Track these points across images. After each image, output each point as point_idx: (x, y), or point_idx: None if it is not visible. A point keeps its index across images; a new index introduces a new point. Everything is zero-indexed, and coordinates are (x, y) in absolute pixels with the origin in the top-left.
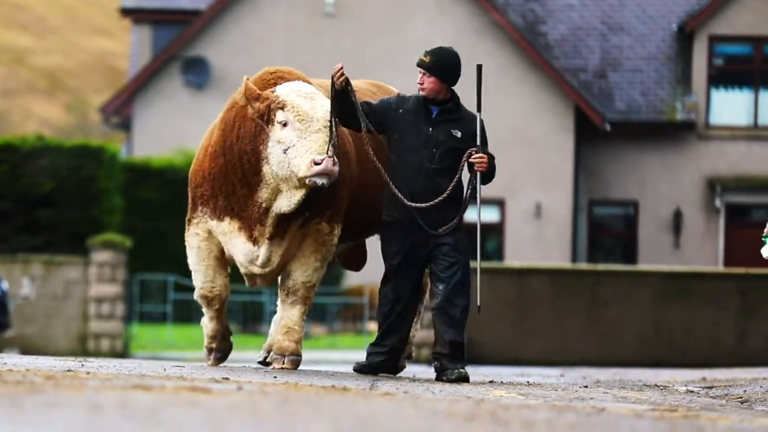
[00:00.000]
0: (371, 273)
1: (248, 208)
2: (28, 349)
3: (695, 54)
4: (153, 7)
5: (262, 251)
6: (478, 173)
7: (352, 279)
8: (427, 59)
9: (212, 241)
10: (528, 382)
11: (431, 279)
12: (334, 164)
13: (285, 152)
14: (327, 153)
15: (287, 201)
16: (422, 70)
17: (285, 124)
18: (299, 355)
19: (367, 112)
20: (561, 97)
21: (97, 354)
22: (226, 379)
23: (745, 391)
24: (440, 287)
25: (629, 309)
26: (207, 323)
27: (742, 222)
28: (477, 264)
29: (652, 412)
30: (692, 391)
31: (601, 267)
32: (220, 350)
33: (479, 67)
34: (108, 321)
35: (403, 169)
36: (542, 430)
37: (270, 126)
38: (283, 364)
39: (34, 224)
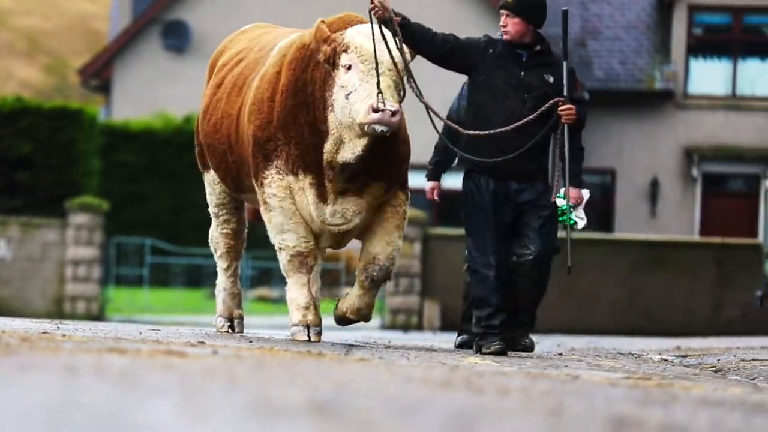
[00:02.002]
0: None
1: (318, 158)
2: (3, 310)
3: (675, 23)
4: None
5: (335, 208)
6: (566, 126)
7: None
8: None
9: (292, 198)
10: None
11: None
12: (393, 114)
13: (347, 97)
14: (389, 99)
15: (350, 151)
16: (505, 11)
17: (349, 68)
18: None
19: (451, 45)
20: None
21: (73, 317)
22: (202, 343)
23: (719, 360)
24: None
25: (605, 277)
26: (297, 292)
27: (718, 192)
28: (567, 223)
29: (625, 380)
30: (666, 360)
31: (577, 235)
32: (318, 324)
33: (565, 12)
34: (84, 284)
35: (490, 114)
36: (516, 396)
37: (335, 70)
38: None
39: (13, 186)
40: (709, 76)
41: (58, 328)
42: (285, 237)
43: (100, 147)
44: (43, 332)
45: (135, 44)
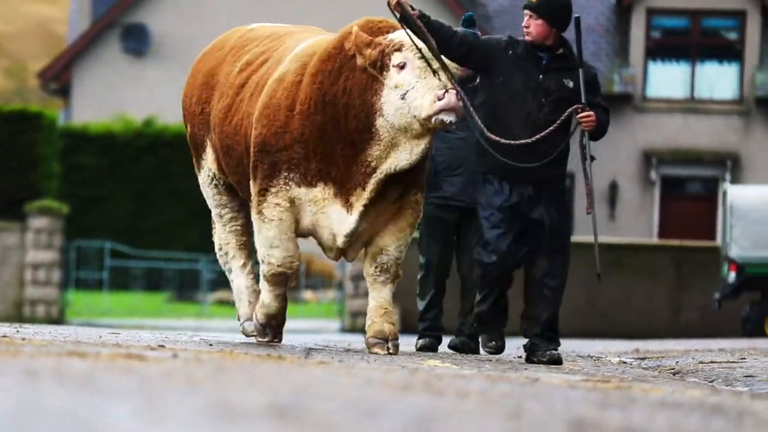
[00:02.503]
0: (305, 241)
1: (351, 169)
2: None
3: (633, 26)
4: None
5: (353, 219)
6: (586, 132)
7: None
8: (534, 0)
9: (293, 212)
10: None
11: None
12: (458, 99)
13: (403, 97)
14: (449, 88)
15: (407, 154)
16: (529, 12)
17: (403, 66)
18: (398, 339)
19: (471, 45)
20: None
21: (33, 320)
22: (162, 346)
23: (678, 362)
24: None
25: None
26: (271, 302)
27: (677, 194)
28: (594, 228)
29: (585, 382)
30: (625, 363)
31: None
32: (277, 332)
33: (577, 20)
34: (44, 287)
35: (507, 117)
36: (476, 399)
37: (384, 72)
38: (389, 350)
39: None
40: (667, 79)
41: (18, 331)
42: (273, 252)
43: (59, 150)
44: (3, 336)
45: (94, 47)
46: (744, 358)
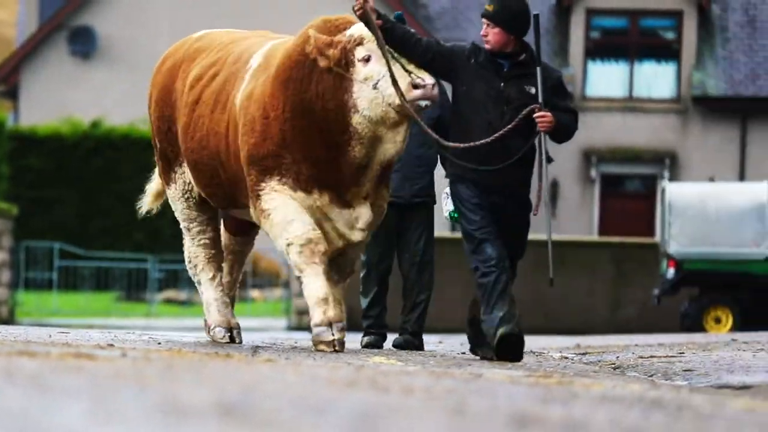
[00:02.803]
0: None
1: (342, 172)
2: None
3: (572, 27)
4: None
5: (363, 213)
6: (543, 133)
7: None
8: (490, 8)
9: (293, 197)
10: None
11: None
12: (433, 85)
13: (375, 87)
14: (423, 74)
15: (392, 143)
16: (486, 21)
17: (368, 59)
18: (344, 332)
19: (435, 51)
20: None
21: None
22: (111, 345)
23: (618, 357)
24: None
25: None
26: (314, 284)
27: (616, 192)
28: (549, 234)
29: (527, 378)
30: (567, 358)
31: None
32: (341, 319)
33: (536, 18)
34: None
35: (470, 126)
36: (420, 395)
37: (351, 69)
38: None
39: None
40: (606, 78)
41: None
42: (292, 228)
43: (7, 152)
44: None
45: (42, 50)
46: (683, 353)
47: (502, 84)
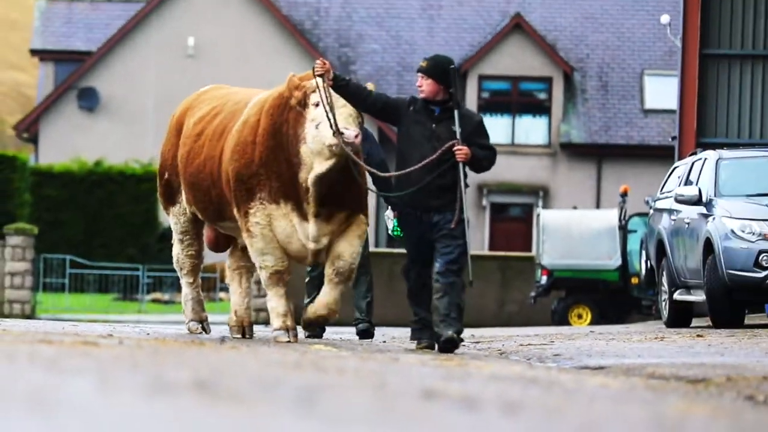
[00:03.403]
0: (221, 253)
1: (296, 187)
2: None
3: (468, 89)
4: (55, 49)
5: (311, 228)
6: (460, 163)
7: (206, 259)
8: (424, 64)
9: (270, 227)
10: (341, 338)
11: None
12: (356, 135)
13: (317, 127)
14: (350, 125)
15: (317, 172)
16: (421, 74)
17: (317, 105)
18: (325, 327)
19: (384, 102)
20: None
21: (11, 316)
22: (111, 335)
23: (503, 345)
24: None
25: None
26: (277, 302)
27: (502, 217)
28: (468, 247)
29: (433, 361)
30: (464, 345)
31: (397, 251)
32: (294, 327)
33: (454, 69)
34: (19, 290)
35: (409, 160)
36: (351, 375)
37: (306, 109)
38: (315, 332)
39: None
40: (494, 129)
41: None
42: (265, 258)
43: (30, 185)
44: None
45: (56, 106)
46: (553, 342)
47: (434, 125)
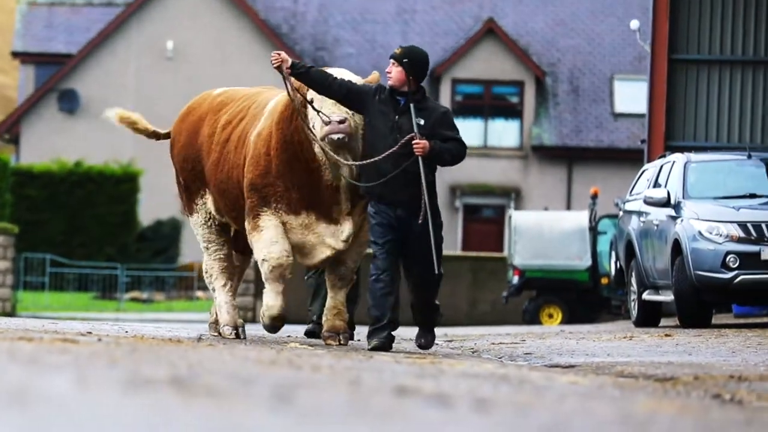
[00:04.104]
0: (198, 252)
1: (322, 193)
2: None
3: (441, 92)
4: (36, 51)
5: (346, 227)
6: (419, 157)
7: (185, 258)
8: (398, 51)
9: (282, 227)
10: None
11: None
12: (341, 120)
13: (313, 127)
14: (334, 112)
15: (345, 167)
16: (393, 60)
17: (312, 101)
18: (347, 332)
19: (348, 89)
20: None
21: None
22: (89, 333)
23: (475, 343)
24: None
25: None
26: (273, 300)
27: (475, 218)
28: (430, 236)
29: (407, 358)
30: (437, 344)
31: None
32: (276, 326)
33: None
34: (0, 288)
35: (372, 150)
36: (326, 372)
37: (306, 110)
38: (340, 341)
39: None
40: (467, 132)
41: None
42: (272, 249)
43: (11, 185)
44: None
45: (37, 107)
46: (524, 340)
47: (397, 117)
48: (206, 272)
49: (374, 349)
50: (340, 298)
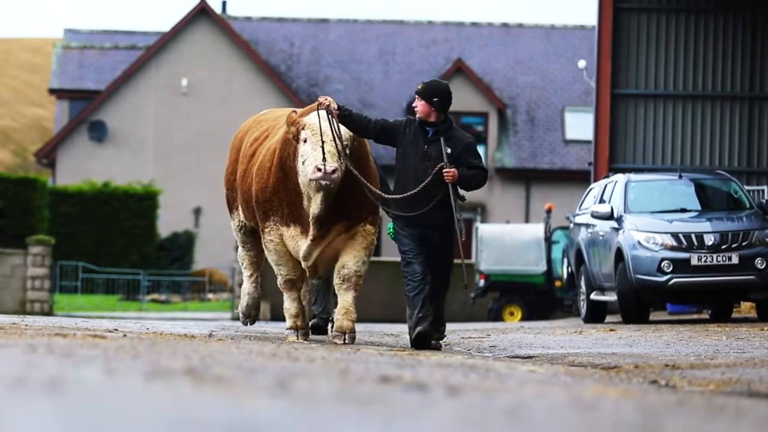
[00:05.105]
0: (209, 260)
1: (302, 213)
2: None
3: None
4: (69, 88)
5: (303, 248)
6: (449, 184)
7: (198, 265)
8: (420, 87)
9: (283, 243)
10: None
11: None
12: (333, 171)
13: (303, 163)
14: (327, 161)
15: (314, 206)
16: (418, 96)
17: (305, 141)
18: (355, 332)
19: (382, 126)
20: None
21: (32, 313)
22: (116, 330)
23: (448, 338)
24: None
25: (375, 284)
26: (290, 304)
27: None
28: (461, 252)
29: (389, 351)
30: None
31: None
32: (305, 327)
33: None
34: (39, 291)
35: (405, 179)
36: (320, 363)
37: (298, 144)
38: (345, 341)
39: None
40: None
41: (23, 321)
42: (280, 269)
43: (48, 203)
44: (12, 323)
45: (71, 136)
46: (489, 335)
47: (426, 146)
48: (241, 260)
49: (417, 336)
50: (348, 299)
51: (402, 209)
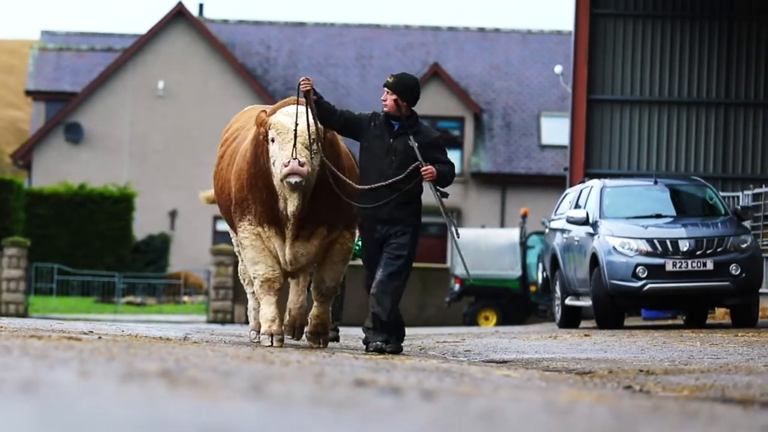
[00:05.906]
0: (184, 262)
1: (277, 214)
2: None
3: None
4: (46, 90)
5: (287, 251)
6: (430, 182)
7: (173, 268)
8: (391, 79)
9: (261, 240)
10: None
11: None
12: (301, 165)
13: (273, 164)
14: (294, 156)
15: (291, 205)
16: (386, 89)
17: (273, 140)
18: (328, 335)
19: (346, 118)
20: None
21: (7, 315)
22: (91, 332)
23: (422, 342)
24: (380, 272)
25: (353, 289)
26: (266, 309)
27: (422, 234)
28: (457, 247)
29: (363, 354)
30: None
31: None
32: (280, 333)
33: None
34: (14, 293)
35: (369, 172)
36: (295, 366)
37: (268, 145)
38: (320, 343)
39: None
40: None
41: None
42: (257, 267)
43: (24, 205)
44: None
45: (47, 138)
46: (464, 339)
47: (391, 139)
48: (241, 274)
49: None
50: (323, 309)
51: (367, 202)
